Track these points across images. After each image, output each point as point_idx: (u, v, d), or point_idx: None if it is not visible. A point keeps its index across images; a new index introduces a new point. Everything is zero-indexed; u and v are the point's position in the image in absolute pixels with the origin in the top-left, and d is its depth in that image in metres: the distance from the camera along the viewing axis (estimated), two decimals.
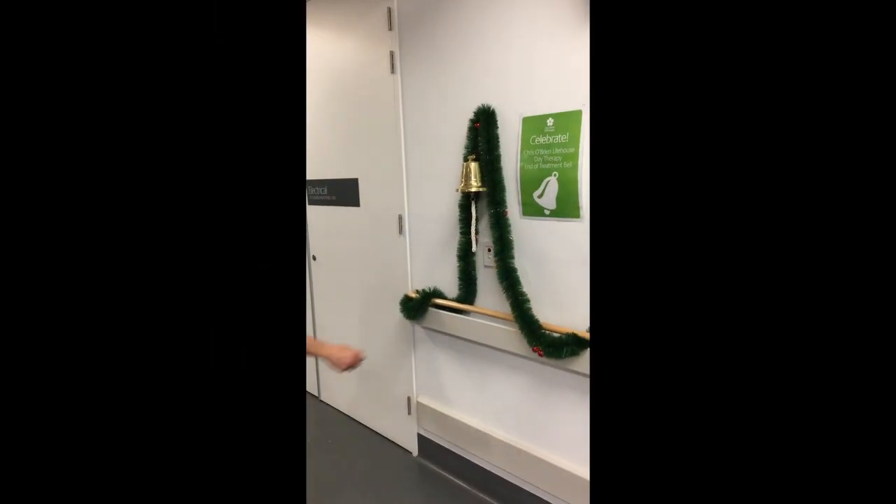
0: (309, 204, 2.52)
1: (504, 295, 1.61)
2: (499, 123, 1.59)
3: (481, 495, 1.88)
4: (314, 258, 2.58)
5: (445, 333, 1.93)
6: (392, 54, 1.89)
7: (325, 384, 2.70)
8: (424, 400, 2.09)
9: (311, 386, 2.80)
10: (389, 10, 1.86)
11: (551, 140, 1.46)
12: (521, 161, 1.55)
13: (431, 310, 1.92)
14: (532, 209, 1.55)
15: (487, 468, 1.86)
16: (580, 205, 1.43)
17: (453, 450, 2.00)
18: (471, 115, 1.64)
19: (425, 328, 2.01)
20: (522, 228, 1.59)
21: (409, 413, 2.14)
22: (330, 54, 2.22)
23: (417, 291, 1.95)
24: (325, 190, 2.38)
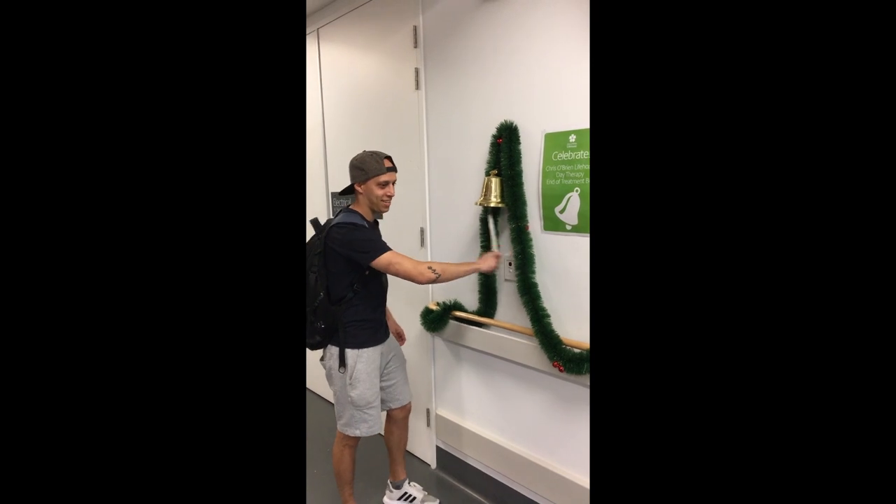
0: (333, 216, 2.56)
1: (524, 309, 1.61)
2: (521, 139, 1.61)
3: None
4: None
5: (465, 346, 1.94)
6: (417, 71, 1.93)
7: None
8: (443, 412, 2.09)
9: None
10: (415, 28, 1.91)
11: (573, 156, 1.47)
12: (543, 176, 1.56)
13: (451, 322, 1.93)
14: (553, 224, 1.55)
15: (505, 482, 1.85)
16: None
17: (472, 463, 1.99)
18: (493, 131, 1.66)
19: (445, 340, 2.03)
20: (544, 243, 1.59)
21: (429, 425, 2.15)
22: (356, 70, 2.28)
23: (438, 304, 1.97)
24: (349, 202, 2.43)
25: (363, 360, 1.61)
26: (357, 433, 1.64)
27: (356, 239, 1.51)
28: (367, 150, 1.62)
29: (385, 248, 1.51)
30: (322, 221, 1.69)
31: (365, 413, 1.63)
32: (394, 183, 1.60)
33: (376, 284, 1.64)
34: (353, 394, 1.61)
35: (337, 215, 1.64)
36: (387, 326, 1.74)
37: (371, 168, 1.55)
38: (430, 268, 1.48)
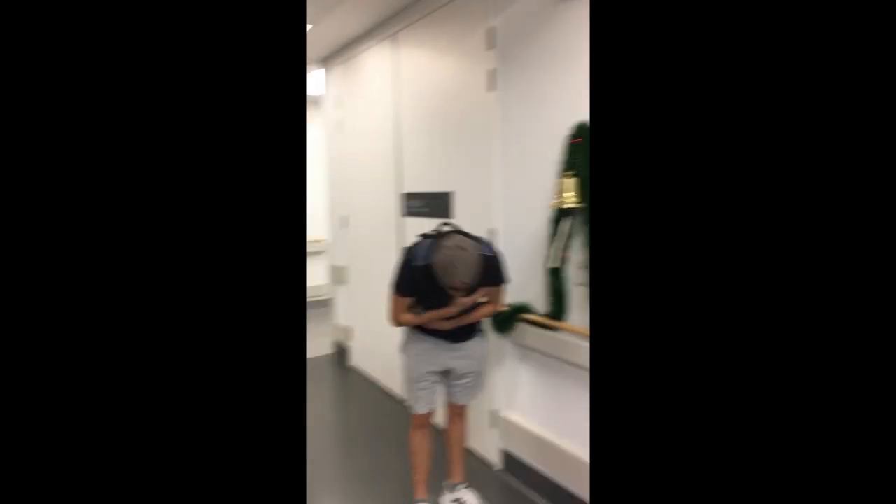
0: (406, 215, 2.63)
1: None
2: None
3: None
4: None
5: (533, 349, 1.91)
6: (491, 72, 1.94)
7: None
8: (509, 415, 2.08)
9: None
10: (491, 30, 1.91)
11: None
12: None
13: (519, 325, 1.92)
14: None
15: (571, 489, 1.81)
16: None
17: (536, 467, 1.96)
18: (567, 131, 1.63)
19: (513, 343, 2.01)
20: None
21: (492, 426, 2.15)
22: (430, 73, 2.33)
23: (506, 305, 1.96)
24: (423, 202, 2.48)
25: None
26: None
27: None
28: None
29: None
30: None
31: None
32: None
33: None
34: None
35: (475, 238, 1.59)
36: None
37: None
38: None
